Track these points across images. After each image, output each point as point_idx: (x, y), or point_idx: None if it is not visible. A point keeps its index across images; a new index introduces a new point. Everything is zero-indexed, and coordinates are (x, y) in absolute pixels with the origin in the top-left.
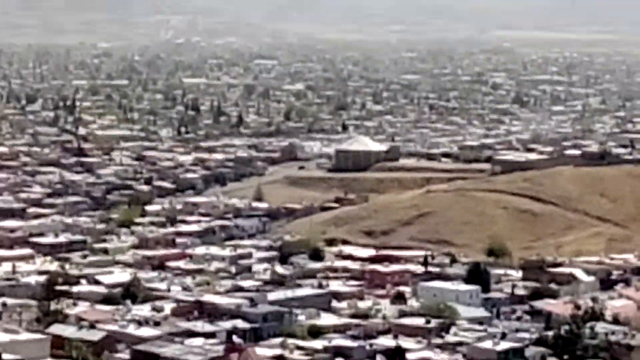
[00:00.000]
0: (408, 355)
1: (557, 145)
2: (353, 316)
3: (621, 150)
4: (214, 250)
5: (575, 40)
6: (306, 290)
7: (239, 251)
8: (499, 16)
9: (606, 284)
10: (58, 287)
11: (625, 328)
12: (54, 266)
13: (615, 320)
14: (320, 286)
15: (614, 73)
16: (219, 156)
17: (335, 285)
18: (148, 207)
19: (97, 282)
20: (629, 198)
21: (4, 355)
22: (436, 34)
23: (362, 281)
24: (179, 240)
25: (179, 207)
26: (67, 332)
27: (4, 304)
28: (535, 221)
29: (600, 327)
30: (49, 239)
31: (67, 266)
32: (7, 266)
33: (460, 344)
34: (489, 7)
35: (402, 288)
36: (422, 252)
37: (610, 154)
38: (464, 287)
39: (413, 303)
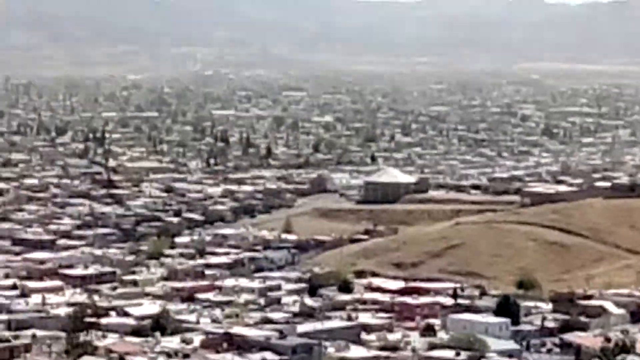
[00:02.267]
0: None
1: (586, 177)
2: (382, 348)
3: None
4: (243, 282)
5: (604, 71)
6: (335, 322)
7: (268, 283)
8: (527, 48)
9: (637, 316)
10: (87, 319)
11: None
12: (83, 298)
13: None
14: (349, 318)
15: None
16: (248, 188)
17: (365, 318)
18: (177, 239)
19: (127, 314)
20: None
21: None
22: (464, 65)
23: (391, 313)
24: (208, 272)
25: (208, 239)
26: None
27: (34, 336)
28: (565, 253)
29: None
30: (78, 271)
31: (96, 298)
32: (36, 298)
33: None
34: (516, 38)
35: (431, 320)
36: (452, 284)
37: None
38: (493, 319)
39: (443, 335)
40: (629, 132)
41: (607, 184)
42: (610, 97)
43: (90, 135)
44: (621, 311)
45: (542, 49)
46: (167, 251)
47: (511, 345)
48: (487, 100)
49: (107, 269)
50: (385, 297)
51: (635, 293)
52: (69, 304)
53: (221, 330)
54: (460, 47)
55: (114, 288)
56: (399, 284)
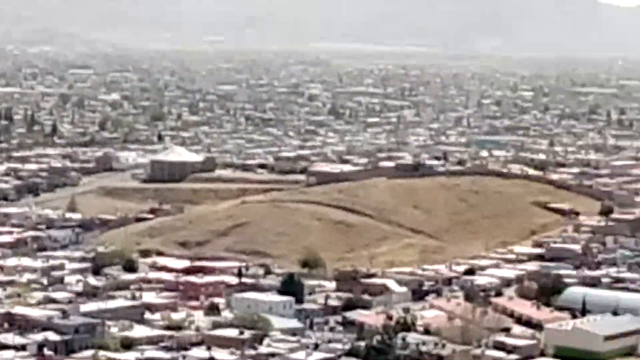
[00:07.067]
0: None
1: (371, 156)
2: (166, 328)
3: (434, 162)
4: (26, 261)
5: (390, 52)
6: (119, 301)
7: (51, 262)
8: (315, 28)
9: (418, 294)
10: None
11: (435, 338)
12: None
13: (427, 331)
14: (133, 297)
15: (429, 85)
16: (32, 166)
17: (149, 297)
18: None
19: None
20: (441, 209)
21: None
22: (252, 45)
23: (176, 292)
24: None
25: None
26: None
27: None
28: (350, 232)
29: (412, 337)
30: None
31: None
32: None
33: (273, 355)
34: (304, 18)
35: (216, 299)
36: (237, 263)
37: (424, 165)
38: (277, 298)
39: (227, 314)
40: (413, 112)
41: (391, 163)
42: (395, 78)
43: None
44: (403, 289)
45: (330, 29)
46: None
47: (295, 323)
48: (274, 80)
49: None
50: (170, 276)
51: (417, 271)
52: None
53: (2, 310)
54: (249, 25)
55: None
56: (184, 263)
